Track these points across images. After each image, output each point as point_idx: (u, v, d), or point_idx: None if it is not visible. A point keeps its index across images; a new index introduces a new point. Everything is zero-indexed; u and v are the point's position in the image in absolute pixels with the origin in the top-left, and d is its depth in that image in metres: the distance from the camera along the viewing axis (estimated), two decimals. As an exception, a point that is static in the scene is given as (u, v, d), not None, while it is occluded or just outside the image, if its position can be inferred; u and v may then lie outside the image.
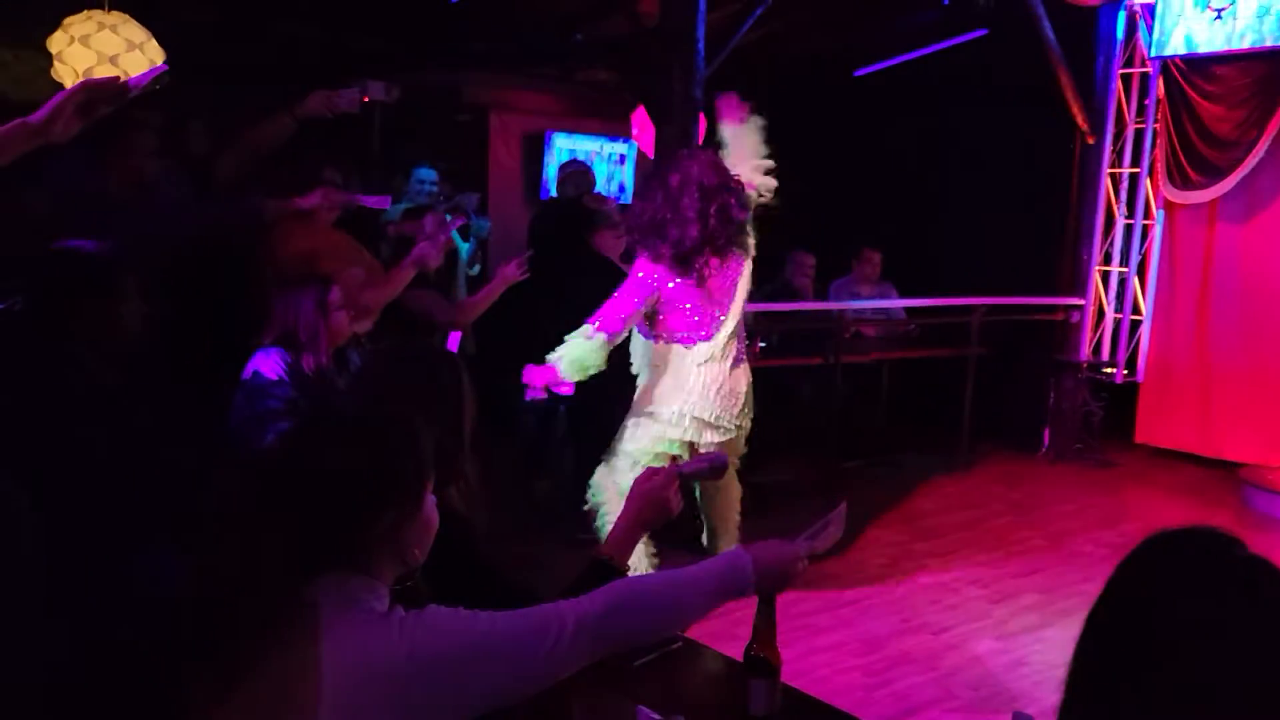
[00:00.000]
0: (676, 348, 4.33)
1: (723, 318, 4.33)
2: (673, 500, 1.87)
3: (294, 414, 2.69)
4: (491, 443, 6.10)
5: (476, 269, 6.91)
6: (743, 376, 4.43)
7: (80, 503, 2.20)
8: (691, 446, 4.32)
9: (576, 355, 4.17)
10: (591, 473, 4.76)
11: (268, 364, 3.15)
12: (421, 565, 1.45)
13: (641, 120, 7.01)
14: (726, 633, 2.50)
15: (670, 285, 4.27)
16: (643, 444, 4.35)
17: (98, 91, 2.16)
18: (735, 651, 2.02)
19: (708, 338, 4.30)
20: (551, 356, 4.20)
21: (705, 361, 4.30)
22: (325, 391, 2.87)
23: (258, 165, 3.96)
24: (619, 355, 5.24)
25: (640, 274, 4.28)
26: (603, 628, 1.43)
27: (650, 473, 1.87)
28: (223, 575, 1.22)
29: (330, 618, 1.27)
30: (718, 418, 4.33)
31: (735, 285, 4.36)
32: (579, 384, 5.35)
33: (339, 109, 4.10)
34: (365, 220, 4.57)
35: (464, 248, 7.08)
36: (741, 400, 4.41)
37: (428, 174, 6.82)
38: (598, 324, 4.20)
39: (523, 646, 1.37)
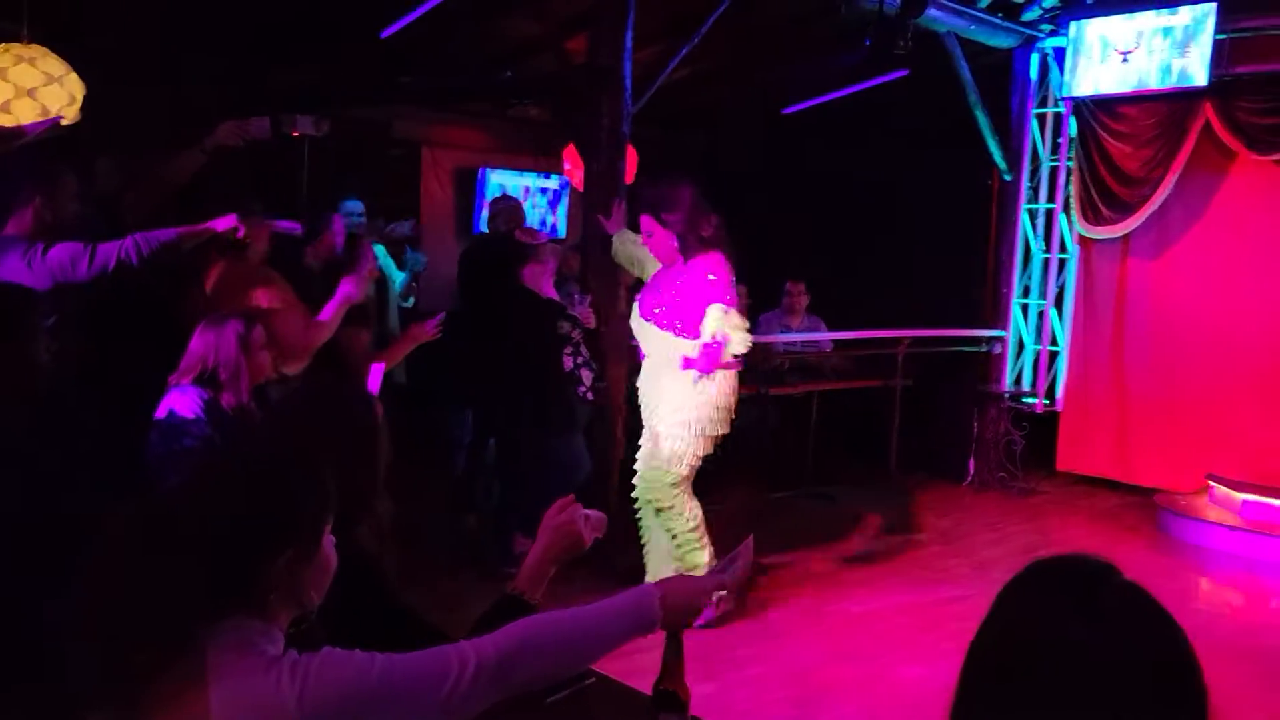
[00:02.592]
0: None
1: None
2: (584, 533, 1.89)
3: (210, 453, 2.66)
4: (421, 476, 6.09)
5: (411, 301, 6.89)
6: None
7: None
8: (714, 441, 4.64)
9: (735, 341, 4.47)
10: (518, 507, 4.77)
11: (183, 402, 3.11)
12: (319, 607, 1.43)
13: (573, 156, 7.08)
14: (650, 668, 2.53)
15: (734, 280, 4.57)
16: (691, 444, 4.56)
17: None
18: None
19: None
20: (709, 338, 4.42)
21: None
22: (240, 431, 2.85)
23: (171, 201, 3.92)
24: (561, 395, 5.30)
25: (725, 269, 4.52)
26: (504, 668, 1.41)
27: (560, 506, 1.89)
28: (109, 621, 1.21)
29: (220, 663, 1.24)
30: (731, 414, 4.62)
31: None
32: (507, 418, 5.38)
33: (250, 137, 4.09)
34: (287, 257, 4.54)
35: (398, 278, 7.06)
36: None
37: (355, 205, 6.80)
38: (728, 319, 4.47)
39: (420, 689, 1.34)
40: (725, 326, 4.42)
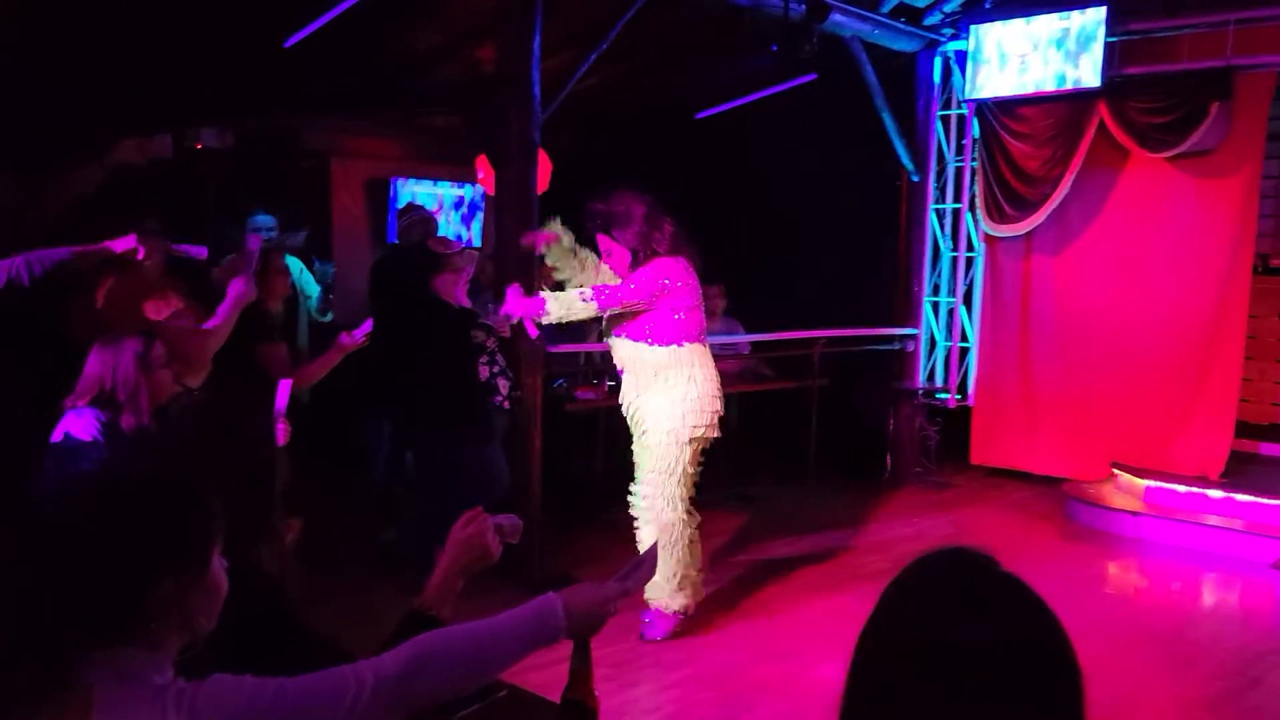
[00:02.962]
0: (698, 346, 4.58)
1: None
2: (492, 545, 1.87)
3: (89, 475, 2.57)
4: (338, 491, 5.99)
5: (329, 316, 6.79)
6: None
7: None
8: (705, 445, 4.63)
9: (566, 301, 4.42)
10: (437, 519, 4.70)
11: (80, 425, 3.01)
12: (213, 633, 1.39)
13: (486, 164, 7.04)
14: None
15: (679, 285, 4.49)
16: (678, 453, 4.53)
17: None
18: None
19: (705, 336, 4.63)
20: (549, 297, 4.44)
21: (711, 357, 4.64)
22: (135, 452, 2.76)
23: (75, 218, 3.80)
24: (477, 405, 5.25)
25: (654, 272, 4.47)
26: (405, 685, 1.39)
27: (467, 518, 1.87)
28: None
29: (103, 694, 1.20)
30: (719, 414, 4.62)
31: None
32: (424, 429, 5.32)
33: (151, 155, 3.99)
34: (190, 277, 4.43)
35: (314, 292, 6.94)
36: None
37: (265, 220, 6.68)
38: (600, 297, 4.41)
39: (315, 712, 1.31)
40: (563, 301, 4.41)
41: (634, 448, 4.72)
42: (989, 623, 1.07)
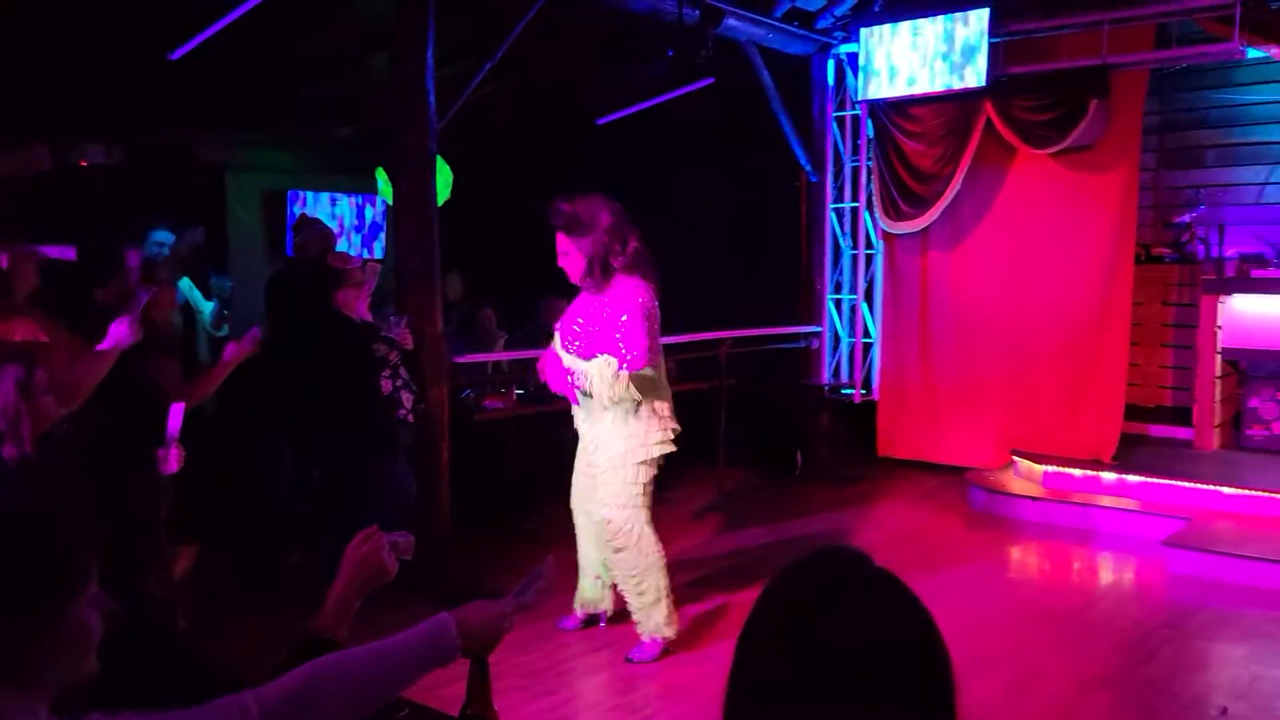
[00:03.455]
0: (658, 370, 4.44)
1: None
2: (389, 564, 1.85)
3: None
4: (241, 513, 5.85)
5: (225, 330, 6.63)
6: None
7: None
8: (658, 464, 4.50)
9: (602, 382, 4.26)
10: (344, 539, 4.60)
11: (-44, 458, 2.89)
12: (99, 667, 1.34)
13: (384, 176, 6.95)
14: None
15: (653, 305, 4.39)
16: (632, 477, 4.39)
17: None
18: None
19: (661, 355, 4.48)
20: (580, 365, 4.29)
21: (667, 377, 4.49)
22: (17, 487, 2.66)
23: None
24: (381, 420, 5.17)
25: (640, 300, 4.32)
26: (295, 712, 1.36)
27: (362, 537, 1.85)
28: None
29: None
30: (674, 430, 4.50)
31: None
32: (327, 447, 5.23)
33: (27, 169, 3.84)
34: (71, 295, 4.29)
35: (207, 308, 6.77)
36: None
37: (165, 236, 6.51)
38: (630, 363, 4.23)
39: None
40: (597, 378, 4.25)
41: (576, 471, 4.61)
42: (857, 621, 1.09)
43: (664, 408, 4.45)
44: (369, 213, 9.08)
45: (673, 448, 4.51)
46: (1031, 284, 7.50)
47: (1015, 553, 6.36)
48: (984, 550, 6.18)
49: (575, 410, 4.57)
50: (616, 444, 4.39)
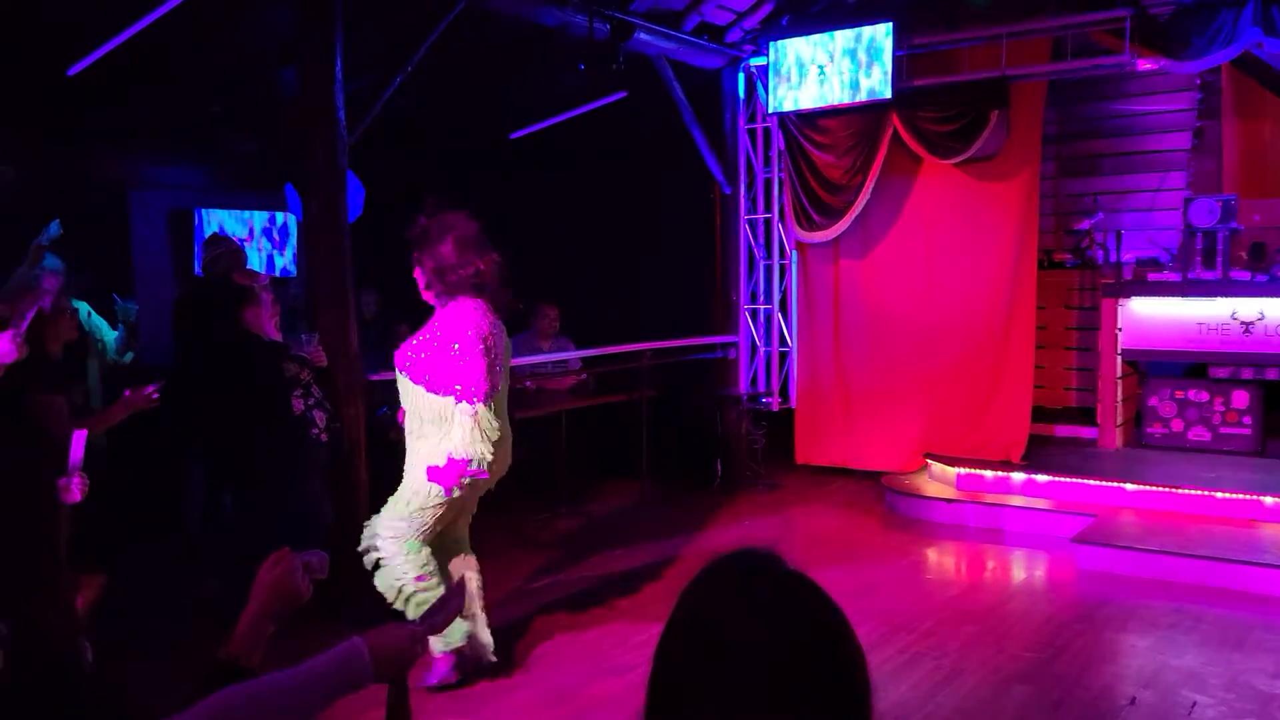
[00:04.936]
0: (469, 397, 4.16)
1: (502, 363, 4.27)
2: (302, 586, 1.81)
3: None
4: (151, 540, 5.68)
5: (130, 356, 6.43)
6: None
7: None
8: (462, 500, 4.25)
9: (477, 436, 4.08)
10: (259, 562, 4.47)
11: None
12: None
13: (293, 192, 6.83)
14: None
15: (493, 330, 4.17)
16: (433, 501, 4.16)
17: None
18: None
19: (498, 386, 4.21)
20: (460, 449, 4.07)
21: (490, 407, 4.18)
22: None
23: None
24: (284, 439, 5.06)
25: (467, 326, 4.11)
26: None
27: (274, 559, 1.80)
28: None
29: None
30: (499, 461, 4.24)
31: (502, 329, 4.32)
32: (240, 469, 5.11)
33: None
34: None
35: (110, 337, 6.56)
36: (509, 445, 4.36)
37: (53, 263, 6.30)
38: (472, 398, 4.05)
39: None
40: (469, 439, 4.08)
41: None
42: (767, 622, 1.09)
43: (470, 436, 4.14)
44: (279, 218, 8.90)
45: (460, 489, 4.20)
46: (940, 290, 7.68)
47: (931, 553, 6.48)
48: (901, 552, 6.30)
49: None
50: (413, 467, 4.23)
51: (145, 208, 8.34)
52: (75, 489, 2.90)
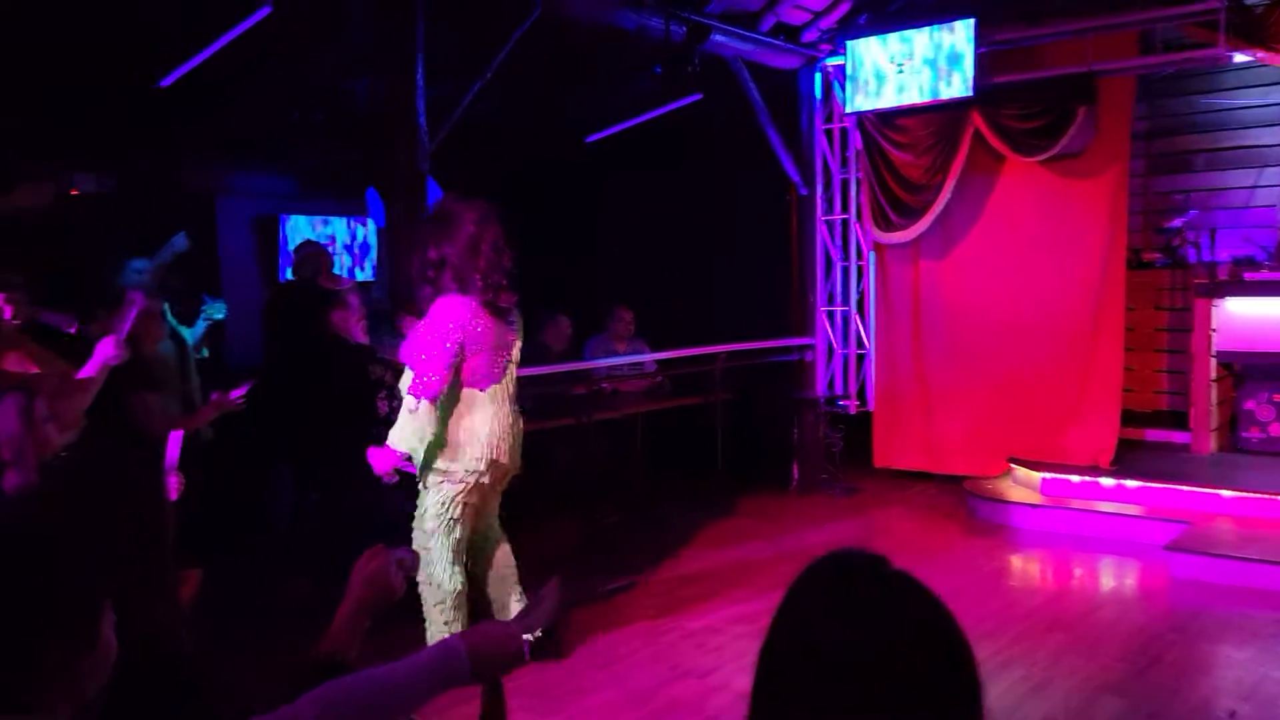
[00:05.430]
0: (474, 392, 4.16)
1: (510, 357, 4.27)
2: (396, 581, 1.84)
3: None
4: (244, 540, 5.82)
5: (205, 353, 6.59)
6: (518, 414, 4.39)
7: None
8: (482, 489, 4.22)
9: (411, 430, 4.04)
10: (350, 560, 4.56)
11: (-45, 488, 2.87)
12: (107, 696, 1.33)
13: (375, 197, 6.95)
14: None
15: (479, 328, 4.10)
16: (448, 496, 4.17)
17: None
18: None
19: (499, 378, 4.21)
20: (392, 437, 4.05)
21: (501, 401, 4.20)
22: (22, 515, 2.64)
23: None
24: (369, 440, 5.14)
25: (447, 322, 4.04)
26: None
27: (369, 555, 1.83)
28: None
29: None
30: (509, 456, 4.24)
31: (515, 322, 4.31)
32: (328, 470, 5.21)
33: (38, 202, 3.82)
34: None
35: (189, 334, 6.73)
36: (520, 437, 4.37)
37: (142, 264, 6.49)
38: (420, 391, 4.00)
39: None
40: (401, 429, 4.05)
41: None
42: (873, 623, 1.08)
43: (476, 425, 4.14)
44: (360, 233, 9.08)
45: (482, 477, 4.18)
46: (1025, 291, 7.51)
47: (1015, 560, 6.34)
48: (984, 557, 6.17)
49: None
50: (421, 462, 4.21)
51: (231, 214, 8.59)
52: (172, 488, 2.99)
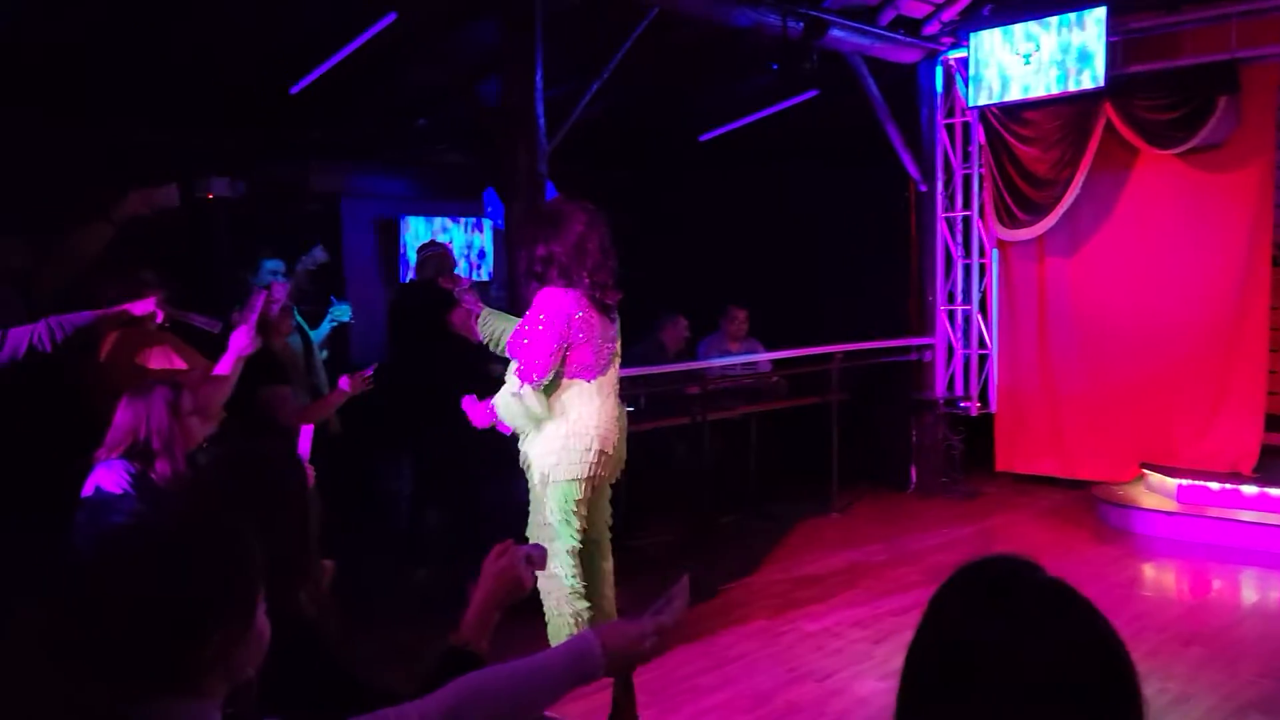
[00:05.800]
0: (581, 383, 4.14)
1: (614, 349, 4.28)
2: (525, 576, 1.87)
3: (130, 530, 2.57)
4: (366, 531, 5.98)
5: (325, 354, 6.79)
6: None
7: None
8: (594, 481, 4.19)
9: (518, 410, 4.10)
10: (469, 554, 4.64)
11: (110, 478, 3.02)
12: (258, 679, 1.38)
13: (493, 198, 7.07)
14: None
15: (579, 316, 4.09)
16: (564, 491, 4.14)
17: None
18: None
19: (605, 370, 4.20)
20: (498, 403, 4.13)
21: (607, 394, 4.21)
22: (168, 502, 2.76)
23: (83, 275, 3.82)
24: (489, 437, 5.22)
25: (551, 310, 4.05)
26: None
27: (499, 550, 1.87)
28: (29, 709, 1.15)
29: None
30: (616, 448, 4.23)
31: (615, 317, 4.33)
32: (448, 466, 5.32)
33: (159, 206, 3.99)
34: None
35: (315, 336, 6.96)
36: (625, 430, 4.37)
37: (275, 264, 6.73)
38: (524, 375, 4.04)
39: None
40: (502, 402, 4.10)
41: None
42: (1032, 628, 1.07)
43: (585, 425, 4.10)
44: (477, 240, 9.25)
45: (596, 470, 4.12)
46: (1159, 289, 7.20)
47: (1149, 569, 6.09)
48: (1115, 566, 5.94)
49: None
50: (535, 465, 4.17)
51: (355, 216, 8.83)
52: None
